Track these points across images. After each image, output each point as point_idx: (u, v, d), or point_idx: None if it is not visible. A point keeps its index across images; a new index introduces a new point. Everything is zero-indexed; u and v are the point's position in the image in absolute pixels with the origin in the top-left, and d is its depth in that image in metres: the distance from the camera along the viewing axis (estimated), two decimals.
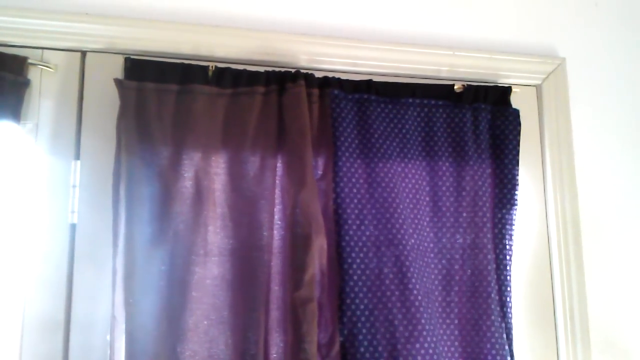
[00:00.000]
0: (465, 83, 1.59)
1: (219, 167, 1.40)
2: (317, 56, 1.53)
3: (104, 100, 1.40)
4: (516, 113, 1.59)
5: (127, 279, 1.27)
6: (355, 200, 1.41)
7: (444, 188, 1.51)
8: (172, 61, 1.42)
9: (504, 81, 1.66)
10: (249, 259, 1.34)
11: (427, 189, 1.51)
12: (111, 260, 1.29)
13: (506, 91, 1.61)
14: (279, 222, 1.40)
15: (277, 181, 1.41)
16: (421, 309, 1.36)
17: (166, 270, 1.30)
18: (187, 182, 1.36)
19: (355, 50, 1.55)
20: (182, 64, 1.42)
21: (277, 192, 1.41)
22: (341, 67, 1.56)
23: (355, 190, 1.41)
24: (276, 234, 1.39)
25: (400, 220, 1.40)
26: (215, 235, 1.36)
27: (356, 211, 1.40)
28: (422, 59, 1.59)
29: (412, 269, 1.38)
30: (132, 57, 1.40)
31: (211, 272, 1.34)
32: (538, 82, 1.69)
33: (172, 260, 1.31)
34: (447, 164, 1.53)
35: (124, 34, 1.42)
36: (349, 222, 1.38)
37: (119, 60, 1.41)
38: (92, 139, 1.38)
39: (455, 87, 1.58)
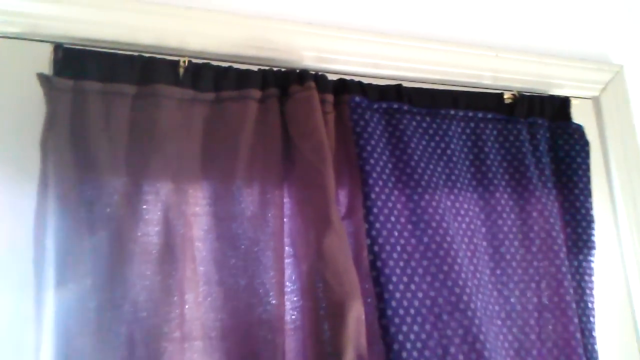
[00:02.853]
0: (515, 92, 1.22)
1: (198, 205, 0.94)
2: (327, 53, 1.12)
3: (18, 105, 0.93)
4: (581, 130, 1.23)
5: None
6: (399, 248, 0.98)
7: (505, 228, 1.11)
8: (126, 53, 0.97)
9: (556, 92, 1.30)
10: (250, 342, 0.88)
11: (484, 230, 1.10)
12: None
13: (565, 103, 1.25)
14: (290, 285, 0.95)
15: (286, 223, 0.97)
16: None
17: None
18: (150, 228, 0.90)
19: (377, 47, 1.15)
20: (141, 56, 0.98)
21: (285, 239, 0.97)
22: (358, 68, 1.15)
23: (396, 234, 0.99)
24: (289, 303, 0.93)
25: (463, 275, 0.98)
26: (197, 308, 0.89)
27: (401, 263, 0.97)
28: (460, 60, 1.21)
29: (488, 346, 0.95)
30: (65, 45, 0.94)
31: None
32: (595, 93, 1.35)
33: (131, 349, 0.83)
34: (505, 195, 1.13)
35: (52, 12, 0.96)
36: (394, 279, 0.95)
37: (45, 50, 0.94)
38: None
39: (505, 96, 1.21)
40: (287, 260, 0.96)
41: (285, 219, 0.97)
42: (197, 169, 0.96)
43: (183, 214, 0.92)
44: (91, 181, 0.89)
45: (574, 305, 1.08)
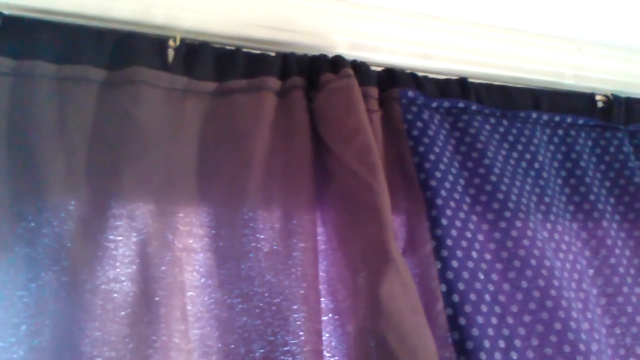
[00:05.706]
0: (609, 94, 0.94)
1: (192, 236, 0.64)
2: (364, 38, 0.84)
3: None
4: None
5: None
6: (488, 297, 0.67)
7: (620, 269, 0.80)
8: (93, 25, 0.70)
9: None
10: None
11: (591, 272, 0.79)
12: None
13: None
14: (328, 356, 0.64)
15: (321, 262, 0.66)
16: None
17: None
18: (120, 269, 0.59)
19: (429, 34, 0.87)
20: (115, 31, 0.70)
21: (321, 285, 0.66)
22: (404, 59, 0.87)
23: (482, 276, 0.68)
24: None
25: (583, 337, 0.67)
26: None
27: (494, 320, 0.66)
28: (534, 54, 0.94)
29: None
30: (5, 14, 0.67)
31: None
32: None
33: None
34: (614, 224, 0.83)
35: None
36: (486, 345, 0.63)
37: None
38: None
39: (597, 97, 0.93)
40: (324, 318, 0.65)
41: (318, 255, 0.66)
42: (191, 184, 0.66)
43: (170, 248, 0.61)
44: (35, 201, 0.60)
45: None
